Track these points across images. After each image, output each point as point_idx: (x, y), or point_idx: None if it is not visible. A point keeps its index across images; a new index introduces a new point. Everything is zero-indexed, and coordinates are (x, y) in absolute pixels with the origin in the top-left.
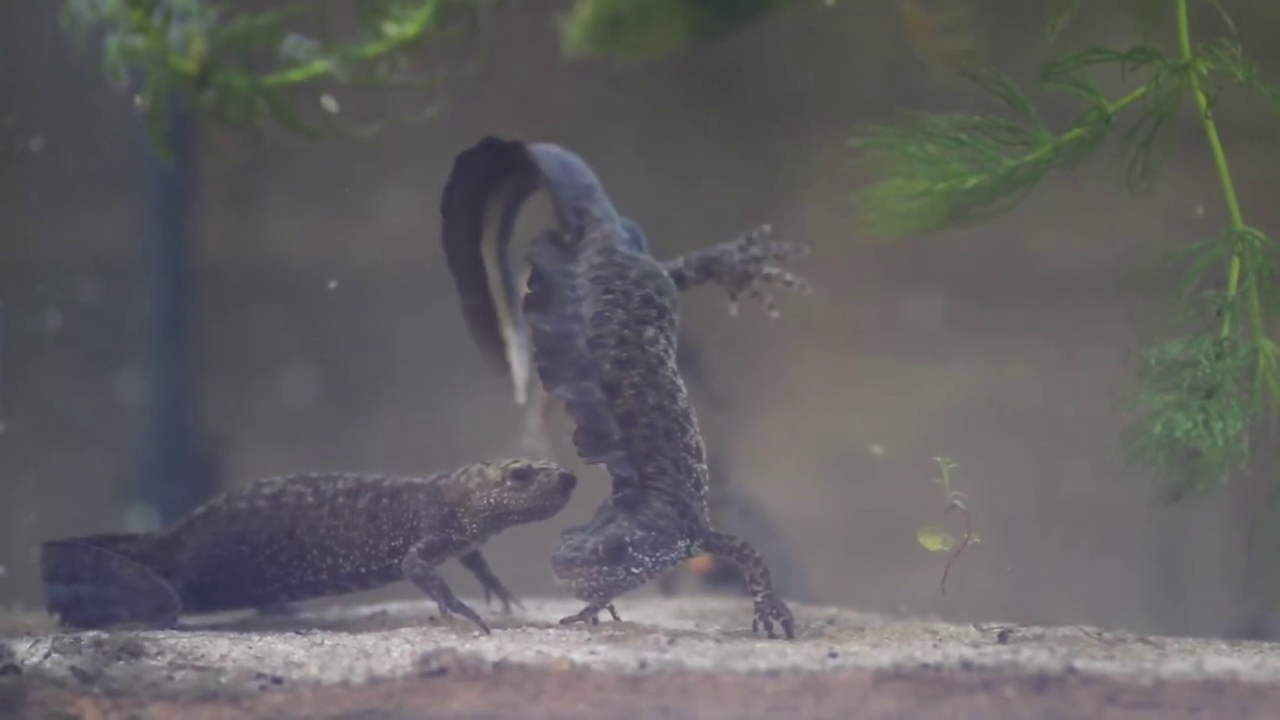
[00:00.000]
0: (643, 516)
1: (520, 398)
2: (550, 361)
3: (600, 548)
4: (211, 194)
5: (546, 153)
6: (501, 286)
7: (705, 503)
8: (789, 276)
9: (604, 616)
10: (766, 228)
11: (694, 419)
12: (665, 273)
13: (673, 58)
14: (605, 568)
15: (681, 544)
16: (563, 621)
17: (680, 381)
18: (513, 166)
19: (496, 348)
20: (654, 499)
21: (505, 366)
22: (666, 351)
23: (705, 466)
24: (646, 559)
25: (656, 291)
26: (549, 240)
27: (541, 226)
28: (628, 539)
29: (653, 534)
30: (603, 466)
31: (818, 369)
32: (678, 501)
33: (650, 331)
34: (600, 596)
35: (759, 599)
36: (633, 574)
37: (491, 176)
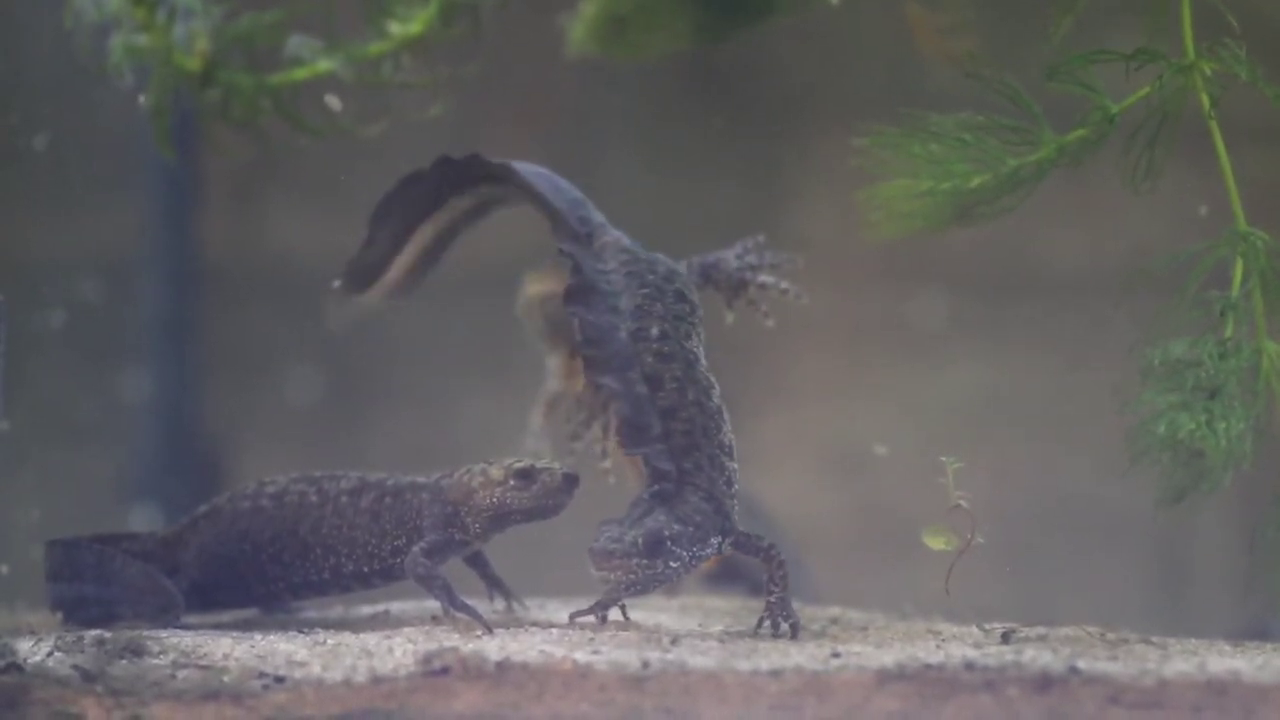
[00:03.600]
0: (680, 511)
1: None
2: (596, 351)
3: (640, 541)
4: (215, 192)
5: (535, 173)
6: (414, 261)
7: (736, 501)
8: (784, 285)
9: (613, 614)
10: (761, 237)
11: (727, 417)
12: (685, 272)
13: (675, 58)
14: (644, 560)
15: (715, 540)
16: (573, 615)
17: (714, 378)
18: (495, 181)
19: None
20: (690, 494)
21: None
22: (699, 347)
23: (736, 465)
24: (684, 553)
25: (685, 288)
26: (574, 239)
27: (534, 235)
28: (667, 533)
29: (690, 529)
30: (607, 472)
31: (821, 369)
32: (713, 498)
33: (685, 327)
34: (637, 590)
35: (773, 599)
36: (670, 568)
37: (465, 184)
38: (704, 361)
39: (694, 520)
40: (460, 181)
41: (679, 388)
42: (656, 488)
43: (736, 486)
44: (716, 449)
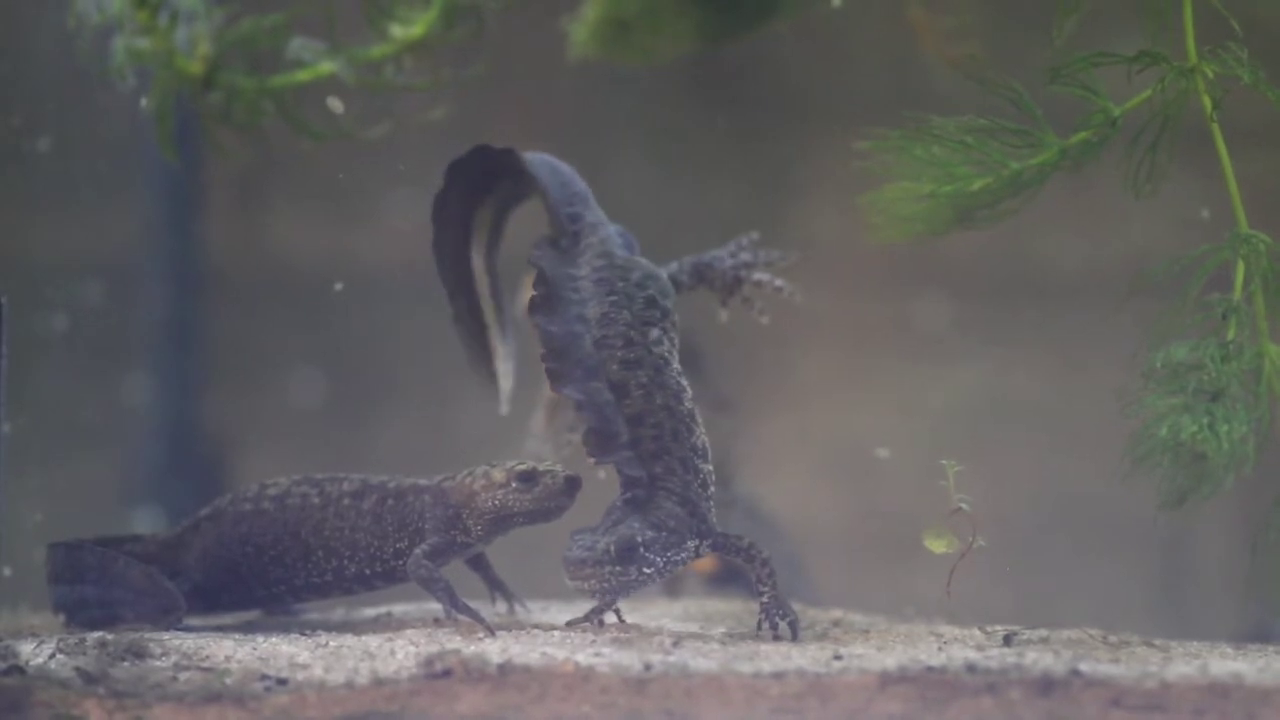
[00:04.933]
0: (653, 517)
1: (504, 409)
2: (558, 362)
3: (612, 548)
4: (218, 196)
5: (538, 161)
6: (490, 295)
7: (712, 503)
8: (778, 282)
9: (609, 619)
10: (755, 234)
11: (699, 420)
12: (665, 275)
13: (679, 61)
14: (617, 568)
15: (691, 544)
16: (568, 624)
17: (685, 382)
18: (503, 174)
19: (484, 356)
20: (663, 499)
21: (491, 375)
22: (670, 352)
23: (711, 467)
24: (658, 559)
25: (659, 293)
26: (549, 244)
27: (536, 233)
28: (639, 539)
29: (663, 534)
30: (609, 470)
31: (824, 371)
32: (687, 501)
33: (655, 333)
34: (611, 597)
35: (765, 599)
36: (644, 574)
37: (482, 185)
38: (675, 366)
39: (667, 525)
40: (478, 181)
41: (645, 394)
42: (629, 494)
43: (712, 489)
44: (689, 452)
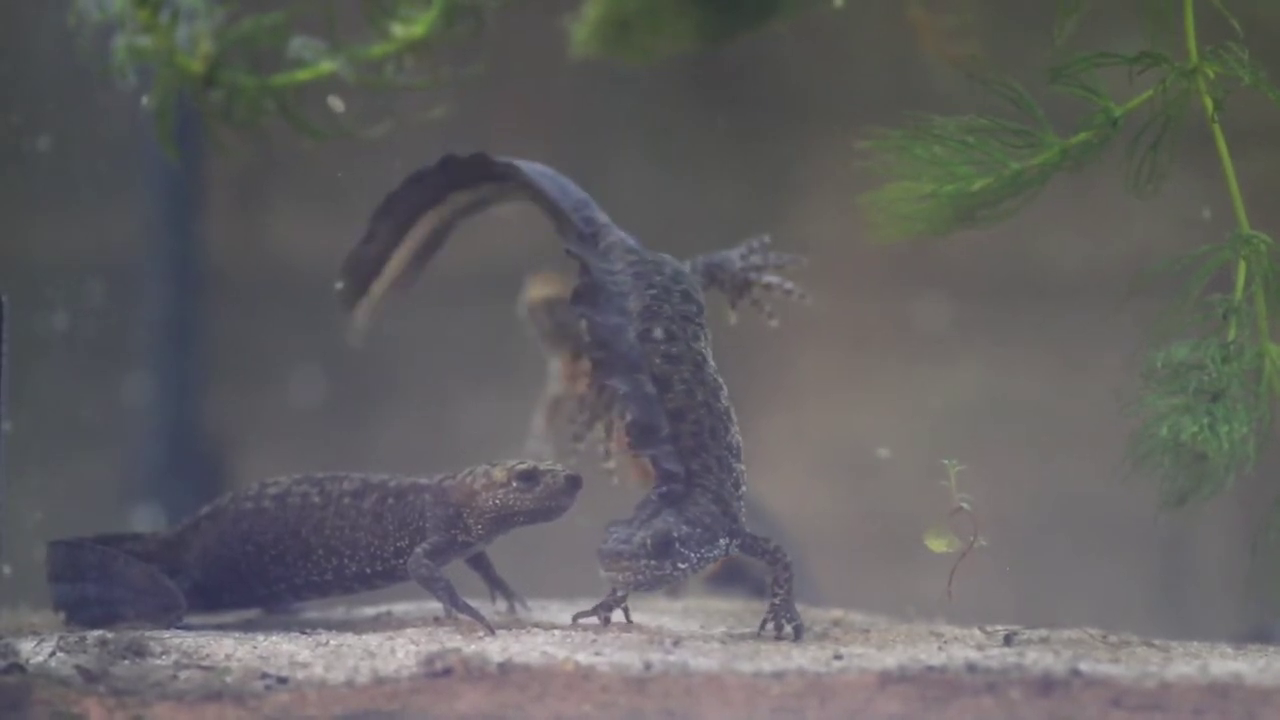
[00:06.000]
0: (689, 512)
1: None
2: (604, 353)
3: (649, 542)
4: (218, 195)
5: (540, 173)
6: (410, 260)
7: (743, 503)
8: (789, 285)
9: (615, 616)
10: (766, 237)
11: (735, 418)
12: (690, 272)
13: (679, 61)
14: (653, 562)
15: (723, 542)
16: (576, 616)
17: (721, 380)
18: (494, 179)
19: (360, 290)
20: (699, 496)
21: (354, 304)
22: (706, 348)
23: (744, 466)
24: (692, 555)
25: (691, 288)
26: (579, 239)
27: (535, 238)
28: (675, 534)
29: (698, 530)
30: (610, 473)
31: (824, 370)
32: (720, 499)
33: (693, 328)
34: (644, 590)
35: (777, 601)
36: (678, 569)
37: (468, 181)
38: (712, 363)
39: (702, 522)
40: (465, 179)
41: (687, 389)
42: (665, 489)
43: (744, 488)
44: (724, 450)
